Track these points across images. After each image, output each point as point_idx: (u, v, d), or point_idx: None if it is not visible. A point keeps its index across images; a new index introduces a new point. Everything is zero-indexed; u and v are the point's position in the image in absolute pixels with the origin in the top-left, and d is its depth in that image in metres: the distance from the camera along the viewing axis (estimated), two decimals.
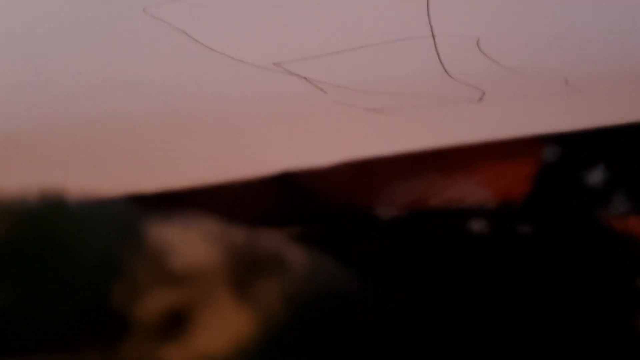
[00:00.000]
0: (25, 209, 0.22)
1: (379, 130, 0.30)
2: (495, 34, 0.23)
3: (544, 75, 0.30)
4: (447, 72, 0.25)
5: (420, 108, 0.29)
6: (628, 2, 0.22)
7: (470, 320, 0.24)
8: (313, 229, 0.28)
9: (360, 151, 0.29)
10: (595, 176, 0.31)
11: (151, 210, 0.23)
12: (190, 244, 0.22)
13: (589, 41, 0.27)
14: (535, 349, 0.25)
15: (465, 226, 0.29)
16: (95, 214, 0.23)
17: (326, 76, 0.28)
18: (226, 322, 0.22)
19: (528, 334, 0.25)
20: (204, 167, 0.28)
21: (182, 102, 0.28)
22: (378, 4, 0.22)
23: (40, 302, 0.21)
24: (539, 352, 0.25)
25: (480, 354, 0.23)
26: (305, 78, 0.27)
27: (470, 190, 0.31)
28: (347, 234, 0.28)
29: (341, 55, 0.28)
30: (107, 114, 0.28)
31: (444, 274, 0.26)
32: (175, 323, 0.22)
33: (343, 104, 0.28)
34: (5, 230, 0.21)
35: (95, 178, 0.27)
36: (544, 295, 0.26)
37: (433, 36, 0.23)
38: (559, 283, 0.26)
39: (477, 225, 0.29)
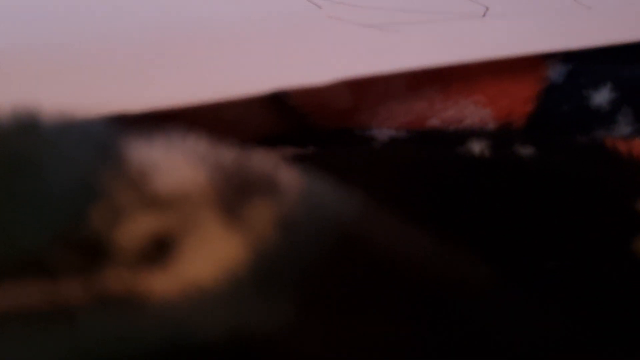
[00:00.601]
0: None
1: (376, 47, 0.29)
2: None
3: None
4: None
5: (420, 24, 0.28)
6: None
7: (469, 243, 0.24)
8: (307, 151, 0.27)
9: (356, 69, 0.28)
10: (601, 96, 0.30)
11: (132, 131, 0.22)
12: (175, 164, 0.21)
13: None
14: (533, 271, 0.24)
15: (465, 148, 0.28)
16: (72, 134, 0.21)
17: None
18: (214, 248, 0.21)
19: (525, 257, 0.25)
20: (191, 86, 0.27)
21: (169, 17, 0.27)
22: None
23: (12, 227, 0.20)
24: (535, 274, 0.24)
25: (477, 275, 0.23)
26: None
27: (471, 111, 0.30)
28: (342, 155, 0.27)
29: None
30: (87, 29, 0.28)
31: (443, 197, 0.26)
32: (160, 249, 0.20)
33: (338, 19, 0.28)
34: None
35: (74, 97, 0.26)
36: (544, 217, 0.25)
37: None
38: (560, 206, 0.26)
39: (478, 147, 0.28)
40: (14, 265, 0.20)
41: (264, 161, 0.22)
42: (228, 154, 0.22)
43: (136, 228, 0.20)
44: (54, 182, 0.21)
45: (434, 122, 0.30)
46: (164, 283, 0.20)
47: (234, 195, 0.21)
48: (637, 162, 0.28)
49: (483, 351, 0.21)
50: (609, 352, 0.23)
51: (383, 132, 0.29)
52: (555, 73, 0.31)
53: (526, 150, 0.27)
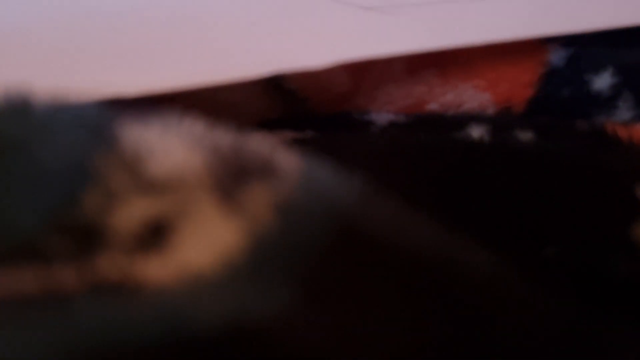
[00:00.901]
0: None
1: (375, 30, 0.28)
2: None
3: None
4: None
5: (419, 7, 0.28)
6: None
7: (469, 228, 0.24)
8: (305, 135, 0.27)
9: (354, 53, 0.28)
10: (602, 81, 0.30)
11: (127, 114, 0.21)
12: (170, 148, 0.21)
13: None
14: (533, 257, 0.25)
15: (464, 132, 0.27)
16: (65, 118, 0.21)
17: None
18: (211, 234, 0.20)
19: (525, 243, 0.25)
20: (188, 69, 0.27)
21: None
22: None
23: (5, 211, 0.20)
24: (535, 260, 0.24)
25: (478, 261, 0.23)
26: None
27: (470, 95, 0.30)
28: (340, 140, 0.27)
29: None
30: (82, 10, 0.27)
31: (442, 182, 0.25)
32: (155, 235, 0.20)
33: (337, 1, 0.27)
34: None
35: (68, 81, 0.25)
36: (544, 203, 0.25)
37: None
38: (559, 191, 0.26)
39: (477, 132, 0.27)
40: (7, 250, 0.19)
41: (262, 145, 0.22)
42: (225, 138, 0.21)
43: (131, 213, 0.20)
44: (47, 166, 0.20)
45: (433, 106, 0.30)
46: (160, 269, 0.20)
47: (231, 179, 0.21)
48: (638, 148, 0.27)
49: (485, 336, 0.21)
50: (609, 337, 0.22)
51: (382, 116, 0.28)
52: (556, 57, 0.30)
53: (526, 136, 0.27)
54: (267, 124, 0.27)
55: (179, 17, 0.27)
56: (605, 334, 0.23)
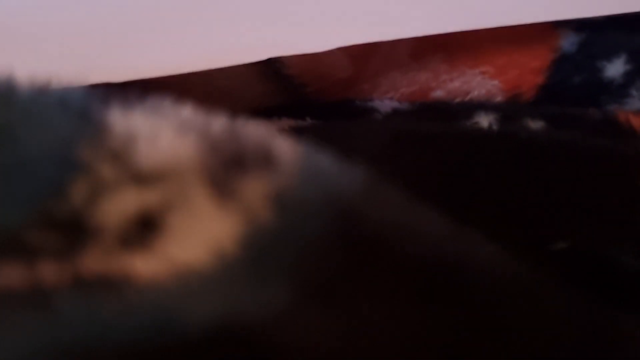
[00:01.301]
0: None
1: (377, 14, 0.27)
2: None
3: None
4: None
5: None
6: None
7: (476, 220, 0.23)
8: (304, 123, 0.26)
9: (356, 37, 0.27)
10: (615, 68, 0.29)
11: (116, 100, 0.21)
12: (161, 136, 0.20)
13: None
14: (542, 250, 0.24)
15: (472, 121, 0.27)
16: (51, 104, 0.20)
17: None
18: (203, 226, 0.19)
19: (534, 235, 0.24)
20: (182, 54, 0.26)
21: None
22: None
23: None
24: (544, 254, 0.24)
25: (484, 254, 0.22)
26: None
27: (478, 82, 0.29)
28: (342, 128, 0.26)
29: None
30: None
31: (448, 173, 0.25)
32: (145, 228, 0.19)
33: None
34: None
35: (54, 64, 0.25)
36: (554, 194, 0.25)
37: None
38: (570, 183, 0.25)
39: (485, 120, 0.27)
40: None
41: (258, 133, 0.21)
42: (219, 125, 0.21)
43: (119, 205, 0.19)
44: (32, 154, 0.20)
45: (438, 93, 0.29)
46: (149, 264, 0.19)
47: (225, 169, 0.20)
48: None
49: (494, 333, 0.21)
50: (621, 330, 0.22)
51: (385, 104, 0.28)
52: (567, 42, 0.30)
53: (536, 124, 0.27)
54: (264, 112, 0.27)
55: (172, 1, 0.26)
56: (617, 328, 0.22)
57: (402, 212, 0.22)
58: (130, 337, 0.18)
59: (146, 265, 0.19)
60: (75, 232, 0.19)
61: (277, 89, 0.28)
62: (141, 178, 0.20)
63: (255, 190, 0.20)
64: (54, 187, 0.19)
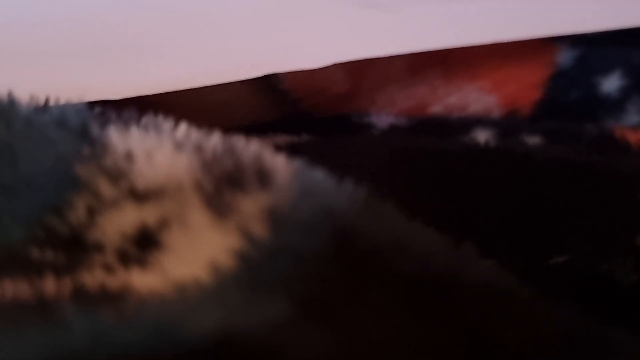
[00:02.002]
0: None
1: (374, 29, 0.28)
2: None
3: None
4: None
5: (421, 4, 0.28)
6: None
7: (474, 236, 0.23)
8: (300, 139, 0.26)
9: (353, 52, 0.27)
10: (611, 84, 0.29)
11: (113, 118, 0.21)
12: (158, 153, 0.20)
13: None
14: (539, 265, 0.24)
15: (469, 137, 0.27)
16: (50, 123, 0.21)
17: None
18: (200, 243, 0.20)
19: (532, 250, 0.24)
20: (179, 70, 0.26)
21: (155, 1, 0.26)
22: None
23: None
24: (542, 269, 0.24)
25: (481, 270, 0.22)
26: None
27: (475, 97, 0.29)
28: (338, 144, 0.26)
29: None
30: (67, 11, 0.27)
31: (446, 189, 0.25)
32: (143, 243, 0.20)
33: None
34: None
35: (53, 82, 0.25)
36: (551, 210, 0.25)
37: None
38: (567, 198, 0.25)
39: (483, 136, 0.27)
40: None
41: (253, 150, 0.21)
42: (214, 143, 0.21)
43: (118, 221, 0.20)
44: (32, 172, 0.20)
45: (436, 108, 0.29)
46: (148, 279, 0.19)
47: (221, 186, 0.20)
48: None
49: (490, 348, 0.21)
50: (616, 344, 0.22)
51: (382, 119, 0.28)
52: (564, 57, 0.30)
53: (533, 140, 0.27)
54: (260, 127, 0.27)
55: (168, 18, 0.27)
56: (613, 342, 0.22)
57: (397, 228, 0.22)
58: (130, 349, 0.19)
59: (145, 280, 0.19)
60: (75, 247, 0.19)
61: (273, 103, 0.28)
62: (139, 195, 0.20)
63: (251, 206, 0.20)
64: (54, 204, 0.19)
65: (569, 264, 0.24)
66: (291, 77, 0.27)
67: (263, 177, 0.20)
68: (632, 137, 0.27)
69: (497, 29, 0.28)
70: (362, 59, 0.27)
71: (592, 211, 0.25)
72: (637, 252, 0.24)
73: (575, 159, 0.26)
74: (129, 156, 0.20)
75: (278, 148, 0.22)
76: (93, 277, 0.19)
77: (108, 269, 0.19)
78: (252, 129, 0.26)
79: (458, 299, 0.21)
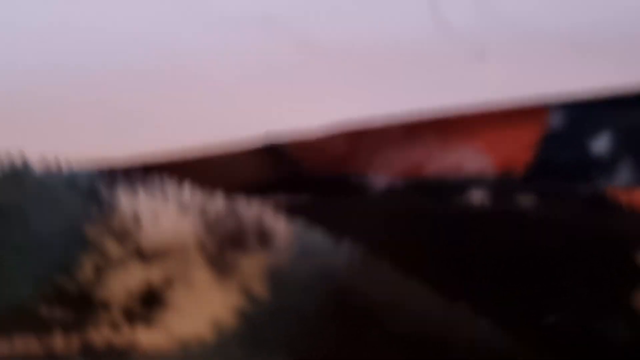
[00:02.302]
0: None
1: (372, 92, 0.28)
2: None
3: (549, 35, 0.28)
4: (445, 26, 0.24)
5: (417, 68, 0.28)
6: None
7: (468, 296, 0.23)
8: (300, 200, 0.26)
9: (351, 115, 0.28)
10: (601, 145, 0.30)
11: (121, 181, 0.21)
12: (163, 216, 0.21)
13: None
14: (532, 325, 0.24)
15: (464, 197, 0.27)
16: (60, 185, 0.21)
17: (315, 33, 0.27)
18: (203, 301, 0.20)
19: (526, 310, 0.24)
20: (180, 132, 0.27)
21: (157, 59, 0.27)
22: None
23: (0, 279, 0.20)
24: (534, 329, 0.24)
25: (476, 330, 0.22)
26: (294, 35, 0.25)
27: (470, 158, 0.29)
28: (336, 205, 0.26)
29: (332, 10, 0.26)
30: (75, 74, 0.27)
31: (441, 249, 0.25)
32: (148, 302, 0.20)
33: (333, 63, 0.27)
34: None
35: (63, 147, 0.25)
36: (544, 270, 0.25)
37: None
38: (560, 258, 0.25)
39: (477, 197, 0.27)
40: (1, 318, 0.19)
41: (254, 212, 0.22)
42: (218, 205, 0.21)
43: (124, 281, 0.20)
44: (42, 233, 0.20)
45: (432, 169, 0.29)
46: (153, 337, 0.20)
47: (223, 247, 0.21)
48: (638, 213, 0.27)
49: None
50: None
51: (379, 180, 0.28)
52: (556, 118, 0.30)
53: (527, 200, 0.27)
54: (261, 188, 0.27)
55: (170, 82, 0.27)
56: None
57: (393, 288, 0.22)
58: None
59: (150, 337, 0.20)
60: (83, 305, 0.20)
61: (273, 164, 0.28)
62: (145, 255, 0.20)
63: (252, 266, 0.21)
64: (63, 264, 0.20)
65: (563, 324, 0.24)
66: (291, 139, 0.28)
67: (264, 237, 0.21)
68: (624, 198, 0.27)
69: (491, 92, 0.29)
70: (359, 121, 0.27)
71: (585, 271, 0.25)
72: (630, 311, 0.24)
73: (569, 219, 0.26)
74: (136, 218, 0.21)
75: (278, 208, 0.22)
76: (100, 334, 0.20)
77: (114, 326, 0.20)
78: (253, 188, 0.26)
79: (452, 358, 0.21)
